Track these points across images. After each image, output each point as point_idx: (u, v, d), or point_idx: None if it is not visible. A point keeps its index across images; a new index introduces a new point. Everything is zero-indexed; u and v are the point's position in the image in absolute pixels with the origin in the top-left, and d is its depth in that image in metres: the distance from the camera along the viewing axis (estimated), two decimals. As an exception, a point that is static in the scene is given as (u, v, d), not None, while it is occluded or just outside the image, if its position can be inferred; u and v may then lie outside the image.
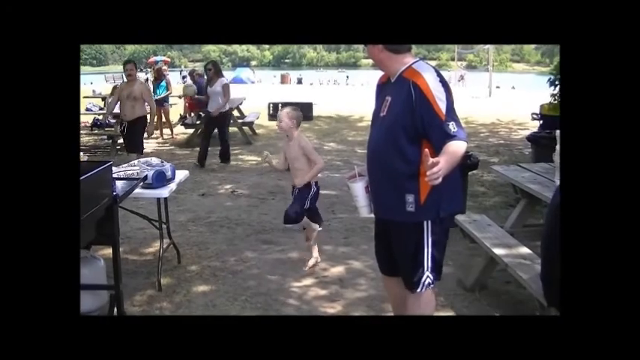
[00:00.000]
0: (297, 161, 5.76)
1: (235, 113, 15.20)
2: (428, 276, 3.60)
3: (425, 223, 3.52)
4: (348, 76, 59.54)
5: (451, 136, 3.32)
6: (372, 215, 3.82)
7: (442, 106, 3.33)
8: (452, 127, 3.33)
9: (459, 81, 41.11)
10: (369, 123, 3.85)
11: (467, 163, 6.71)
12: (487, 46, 35.98)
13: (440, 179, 3.15)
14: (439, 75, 3.48)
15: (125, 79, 10.66)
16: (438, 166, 3.12)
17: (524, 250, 4.74)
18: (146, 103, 10.25)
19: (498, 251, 4.73)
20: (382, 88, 3.73)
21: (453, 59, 46.90)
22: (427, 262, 3.58)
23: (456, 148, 3.31)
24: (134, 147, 10.25)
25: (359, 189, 3.75)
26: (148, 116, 10.34)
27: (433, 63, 3.85)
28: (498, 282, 5.43)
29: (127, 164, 5.47)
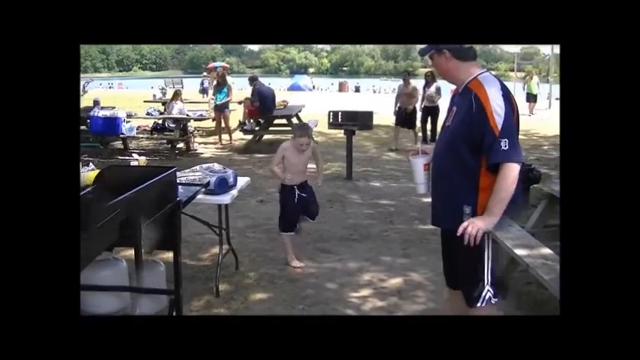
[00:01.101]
0: (305, 164, 6.37)
1: (295, 120, 15.30)
2: (489, 290, 3.54)
3: (485, 235, 3.46)
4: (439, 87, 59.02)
5: (500, 155, 3.28)
6: (427, 193, 3.84)
7: (499, 121, 3.27)
8: (503, 144, 3.26)
9: None
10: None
11: (529, 177, 6.59)
12: (547, 56, 35.47)
13: (477, 240, 3.35)
14: (503, 88, 3.42)
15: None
16: (470, 227, 3.34)
17: (546, 250, 4.65)
18: None
19: (519, 252, 4.65)
20: (453, 99, 3.71)
21: (512, 70, 46.38)
22: (487, 275, 3.53)
23: (505, 175, 3.31)
24: None
25: (418, 165, 3.76)
26: None
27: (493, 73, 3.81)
28: (519, 282, 5.43)
29: (189, 170, 5.51)
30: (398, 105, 15.76)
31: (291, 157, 6.17)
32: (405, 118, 15.52)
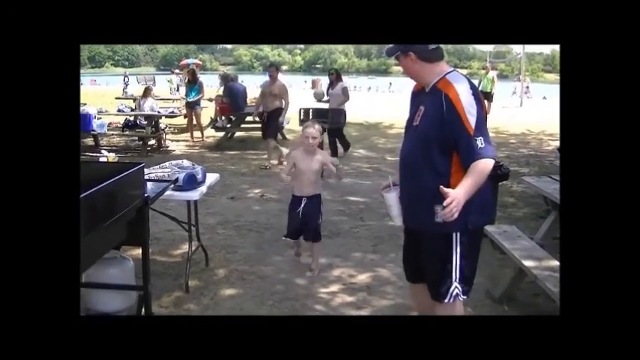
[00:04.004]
0: (315, 173, 5.93)
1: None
2: (456, 287, 3.56)
3: (454, 234, 3.49)
4: (391, 83, 58.88)
5: (477, 153, 3.29)
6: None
7: (472, 120, 3.30)
8: (479, 142, 3.29)
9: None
10: (399, 130, 3.84)
11: (497, 173, 6.64)
12: (519, 55, 35.77)
13: (455, 216, 3.22)
14: (472, 87, 3.44)
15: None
16: (453, 203, 3.20)
17: (554, 262, 4.69)
18: None
19: (528, 263, 4.69)
20: (416, 96, 3.70)
21: (484, 68, 46.93)
22: (456, 272, 3.54)
23: (481, 168, 3.30)
24: None
25: (393, 199, 3.72)
26: None
27: (464, 72, 3.83)
28: (527, 294, 5.37)
29: (158, 166, 5.49)
30: (260, 108, 12.56)
31: (300, 163, 5.92)
32: (267, 124, 12.36)
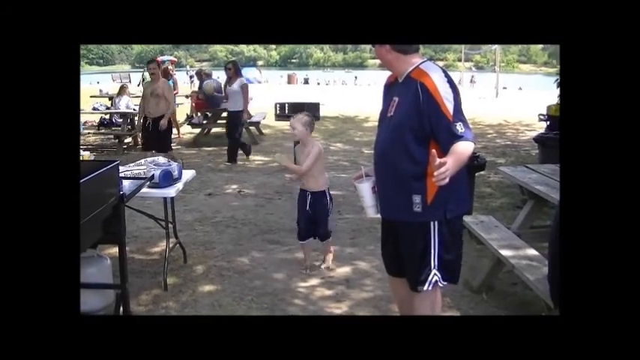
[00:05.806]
0: (309, 166, 5.74)
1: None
2: (435, 274, 3.57)
3: (432, 223, 3.51)
4: (356, 77, 59.59)
5: (458, 137, 3.30)
6: (379, 215, 3.80)
7: (449, 106, 3.32)
8: (459, 127, 3.32)
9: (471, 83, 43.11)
10: (376, 123, 3.83)
11: (474, 164, 6.69)
12: (494, 46, 35.97)
13: (447, 180, 3.13)
14: (447, 75, 3.47)
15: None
16: (445, 166, 3.10)
17: (531, 251, 4.73)
18: None
19: (505, 252, 4.72)
20: (389, 88, 3.71)
21: (460, 60, 47.39)
22: (434, 260, 3.55)
23: (463, 148, 3.30)
24: None
25: (366, 189, 3.73)
26: None
27: (440, 64, 3.85)
28: (505, 283, 5.43)
29: (133, 163, 5.47)
30: (143, 115, 10.69)
31: (298, 156, 5.85)
32: (150, 133, 10.46)
